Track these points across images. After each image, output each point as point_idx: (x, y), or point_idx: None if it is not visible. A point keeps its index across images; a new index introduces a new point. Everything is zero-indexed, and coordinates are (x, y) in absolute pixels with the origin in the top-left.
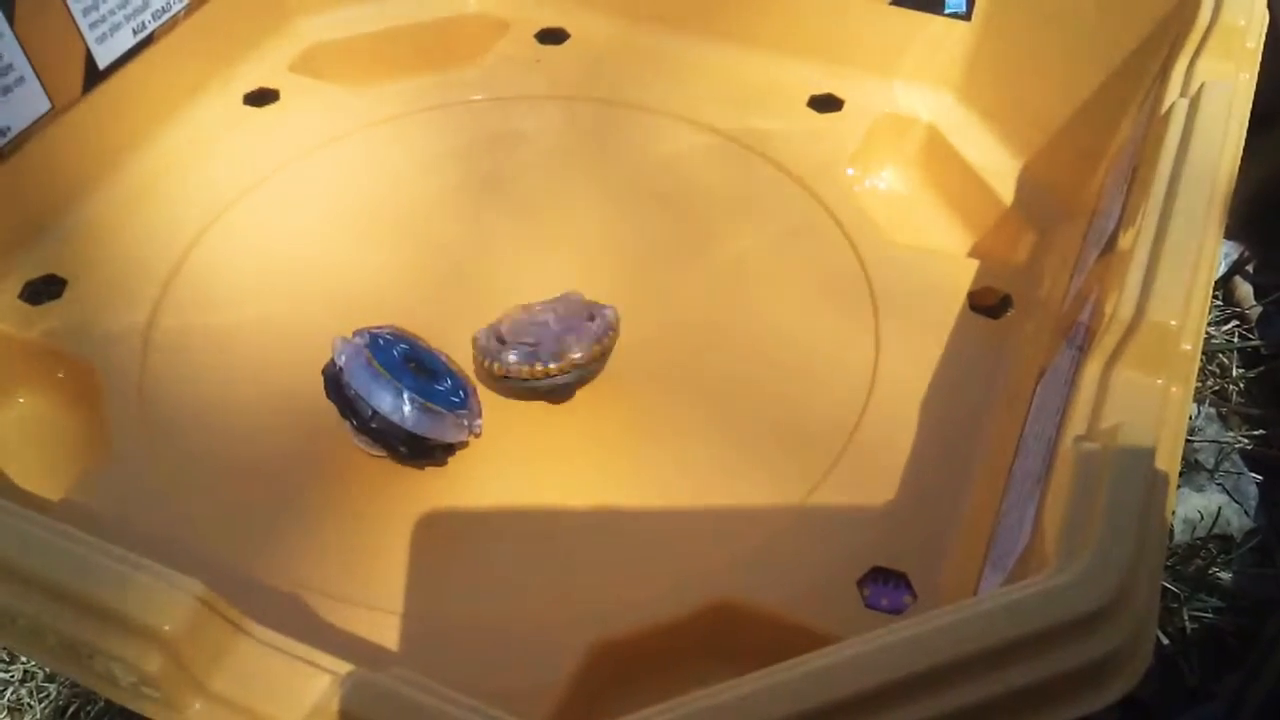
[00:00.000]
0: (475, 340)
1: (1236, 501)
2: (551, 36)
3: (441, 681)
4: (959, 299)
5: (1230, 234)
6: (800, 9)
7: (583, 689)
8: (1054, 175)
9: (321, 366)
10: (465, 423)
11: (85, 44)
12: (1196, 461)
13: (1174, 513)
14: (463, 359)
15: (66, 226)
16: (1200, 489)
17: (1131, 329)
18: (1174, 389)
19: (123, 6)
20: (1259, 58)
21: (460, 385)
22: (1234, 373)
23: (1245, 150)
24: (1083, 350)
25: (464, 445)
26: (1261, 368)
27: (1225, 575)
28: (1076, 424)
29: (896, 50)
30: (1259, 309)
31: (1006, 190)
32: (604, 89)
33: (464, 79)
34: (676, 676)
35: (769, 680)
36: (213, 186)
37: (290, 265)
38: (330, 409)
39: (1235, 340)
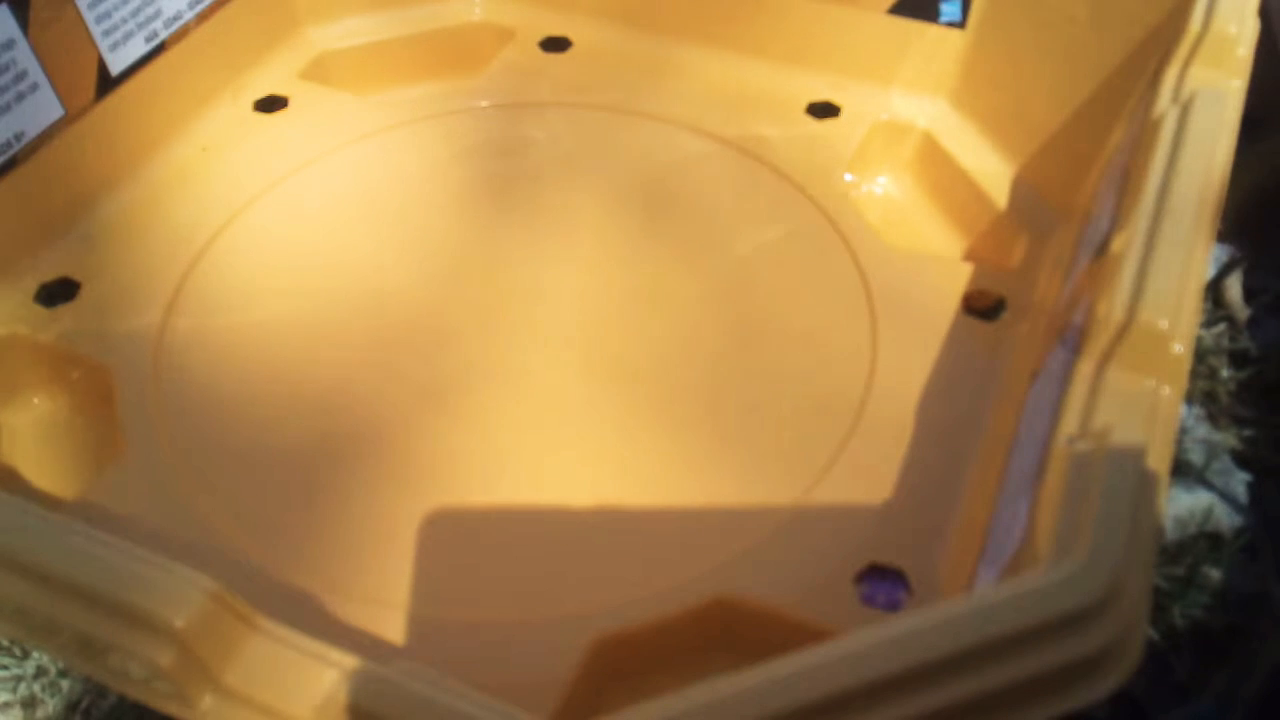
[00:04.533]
0: None
1: (1226, 500)
2: (555, 45)
3: (448, 676)
4: (954, 302)
5: (1222, 237)
6: (799, 18)
7: (586, 684)
8: (1047, 180)
9: (330, 367)
10: None
11: (98, 51)
12: (1187, 461)
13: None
14: (464, 360)
15: (80, 230)
16: (1190, 488)
17: (1123, 331)
18: (1165, 390)
19: (135, 15)
20: (1250, 65)
21: None
22: (1224, 374)
23: (1237, 156)
24: (1075, 352)
25: None
26: (1251, 369)
27: (1215, 572)
28: (1069, 424)
29: (893, 58)
30: (1249, 312)
31: (1000, 195)
32: (606, 96)
33: (470, 86)
34: (679, 671)
35: (767, 675)
36: (224, 191)
37: (300, 268)
38: (338, 411)
39: (1225, 342)
